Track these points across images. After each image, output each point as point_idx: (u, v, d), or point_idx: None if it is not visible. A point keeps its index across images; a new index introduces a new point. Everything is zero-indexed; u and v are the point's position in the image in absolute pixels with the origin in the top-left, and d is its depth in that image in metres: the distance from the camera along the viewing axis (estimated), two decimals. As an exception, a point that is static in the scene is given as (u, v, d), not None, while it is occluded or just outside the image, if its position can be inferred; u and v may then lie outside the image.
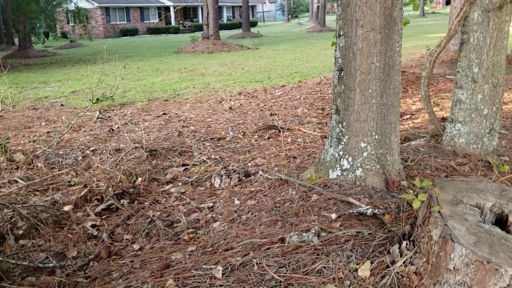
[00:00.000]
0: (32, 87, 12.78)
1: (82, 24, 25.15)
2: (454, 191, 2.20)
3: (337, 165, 3.47)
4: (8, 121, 8.09)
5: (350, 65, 3.29)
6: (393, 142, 3.41)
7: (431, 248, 1.85)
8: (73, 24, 33.98)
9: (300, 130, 6.31)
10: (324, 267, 2.20)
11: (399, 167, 3.50)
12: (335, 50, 3.45)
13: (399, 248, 2.09)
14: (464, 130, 4.23)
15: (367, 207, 2.96)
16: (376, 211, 2.91)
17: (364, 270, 2.09)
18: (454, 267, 1.75)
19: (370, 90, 3.28)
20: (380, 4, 3.17)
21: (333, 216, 2.95)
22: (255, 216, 3.29)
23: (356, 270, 2.14)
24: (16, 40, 25.83)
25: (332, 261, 2.22)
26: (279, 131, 6.23)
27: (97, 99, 5.45)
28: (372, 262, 2.14)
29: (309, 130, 6.30)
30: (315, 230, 2.61)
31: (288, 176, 3.86)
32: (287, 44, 26.02)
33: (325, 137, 5.89)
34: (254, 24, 48.41)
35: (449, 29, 4.12)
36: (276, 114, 7.68)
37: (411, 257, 1.97)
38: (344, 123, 3.39)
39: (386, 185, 3.34)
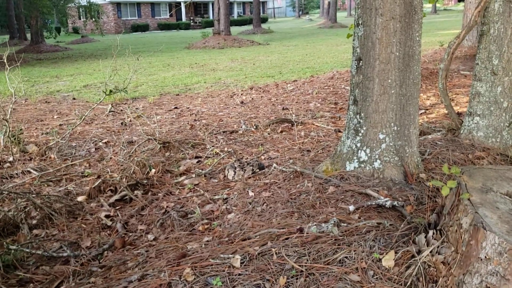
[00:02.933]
0: (44, 81, 12.82)
1: (93, 19, 25.23)
2: (483, 179, 2.13)
3: (355, 157, 3.41)
4: (21, 114, 8.11)
5: (369, 54, 3.23)
6: (412, 134, 3.34)
7: (461, 237, 1.79)
8: (84, 19, 34.13)
9: (314, 124, 6.24)
10: (346, 257, 2.14)
11: (417, 160, 3.43)
12: (353, 40, 3.38)
13: (426, 237, 2.03)
14: (482, 123, 4.15)
15: (386, 199, 2.90)
16: (395, 203, 2.85)
17: (388, 260, 2.03)
18: (486, 256, 1.68)
19: (389, 80, 3.22)
20: (400, -8, 3.10)
21: (351, 208, 2.89)
22: (270, 207, 3.24)
23: (380, 260, 2.08)
24: (28, 35, 25.99)
25: (354, 251, 2.17)
26: (292, 125, 6.17)
27: (110, 91, 5.42)
28: (396, 252, 2.08)
29: (322, 124, 6.23)
30: (334, 221, 2.55)
31: (303, 168, 3.80)
32: (298, 40, 25.90)
33: (339, 131, 5.82)
34: (264, 20, 48.30)
35: (468, 20, 4.03)
36: (288, 109, 7.62)
37: (438, 246, 1.91)
38: (362, 114, 3.33)
39: (405, 177, 3.27)
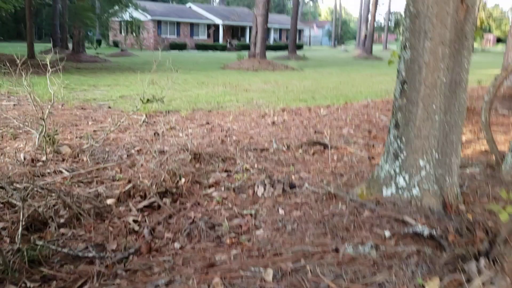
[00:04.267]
0: (81, 89, 13.09)
1: (134, 34, 25.88)
2: (542, 209, 2.01)
3: (392, 182, 3.30)
4: (57, 118, 8.26)
5: (415, 78, 3.15)
6: (453, 163, 3.22)
7: (518, 268, 1.68)
8: (125, 33, 35.04)
9: (346, 149, 6.14)
10: (386, 280, 2.03)
11: (457, 190, 3.30)
12: (399, 63, 3.31)
13: (477, 265, 1.91)
14: (526, 160, 3.99)
15: (423, 227, 2.78)
16: (433, 232, 2.72)
17: (433, 286, 1.92)
18: (545, 290, 1.56)
19: (434, 106, 3.12)
20: (451, 17, 3.03)
21: (387, 233, 2.78)
22: (301, 227, 3.15)
23: (423, 286, 1.97)
24: (70, 45, 26.80)
25: (395, 275, 2.06)
26: (325, 148, 6.08)
27: (148, 100, 5.46)
28: (441, 279, 1.97)
29: (356, 150, 6.12)
30: (371, 244, 2.45)
31: (337, 190, 3.70)
32: (332, 68, 25.92)
33: (373, 158, 5.70)
34: (299, 47, 48.66)
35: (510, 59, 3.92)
36: (321, 132, 7.54)
37: (491, 276, 1.79)
38: (403, 139, 3.23)
39: (443, 207, 3.14)
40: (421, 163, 3.17)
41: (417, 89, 3.14)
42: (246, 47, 37.43)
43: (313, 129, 7.91)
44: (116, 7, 25.42)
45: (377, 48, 48.85)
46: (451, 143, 3.18)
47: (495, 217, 3.27)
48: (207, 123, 8.50)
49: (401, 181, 3.24)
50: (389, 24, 56.19)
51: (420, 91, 3.13)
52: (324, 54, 45.37)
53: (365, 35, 39.58)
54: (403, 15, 3.26)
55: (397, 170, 3.27)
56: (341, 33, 71.12)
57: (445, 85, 3.09)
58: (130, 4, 25.79)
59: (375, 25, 39.48)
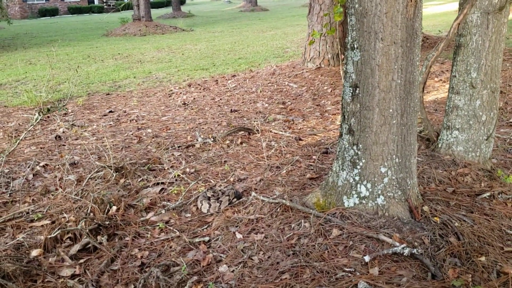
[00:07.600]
0: None
1: (-5, 4, 22.85)
2: None
3: (353, 192, 3.13)
4: None
5: (368, 82, 2.94)
6: (412, 165, 3.13)
7: None
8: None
9: (271, 131, 5.93)
10: None
11: (417, 191, 3.24)
12: (346, 64, 3.07)
13: None
14: (462, 137, 4.06)
15: (402, 246, 2.66)
16: (414, 250, 2.62)
17: None
18: None
19: (391, 110, 2.96)
20: (402, 15, 2.82)
21: (366, 258, 2.63)
22: (269, 257, 2.89)
23: None
24: None
25: None
26: (249, 134, 5.81)
27: (48, 109, 4.72)
28: None
29: (279, 130, 5.94)
30: (364, 286, 2.27)
31: (292, 202, 3.46)
32: (222, 25, 25.32)
33: (300, 139, 5.56)
34: (182, 2, 46.87)
35: (448, 32, 3.88)
36: (237, 111, 7.24)
37: None
38: (360, 146, 3.05)
39: (410, 213, 3.06)
40: (383, 170, 3.03)
41: (371, 93, 2.94)
42: (126, 7, 35.13)
43: (227, 106, 7.58)
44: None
45: (259, -3, 48.62)
46: (409, 144, 3.06)
47: (453, 209, 3.28)
48: (111, 111, 7.78)
49: (363, 190, 3.09)
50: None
51: (375, 96, 2.94)
52: (209, 8, 44.27)
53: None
54: (347, 12, 3.00)
55: (357, 178, 3.11)
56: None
57: (400, 86, 2.93)
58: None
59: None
